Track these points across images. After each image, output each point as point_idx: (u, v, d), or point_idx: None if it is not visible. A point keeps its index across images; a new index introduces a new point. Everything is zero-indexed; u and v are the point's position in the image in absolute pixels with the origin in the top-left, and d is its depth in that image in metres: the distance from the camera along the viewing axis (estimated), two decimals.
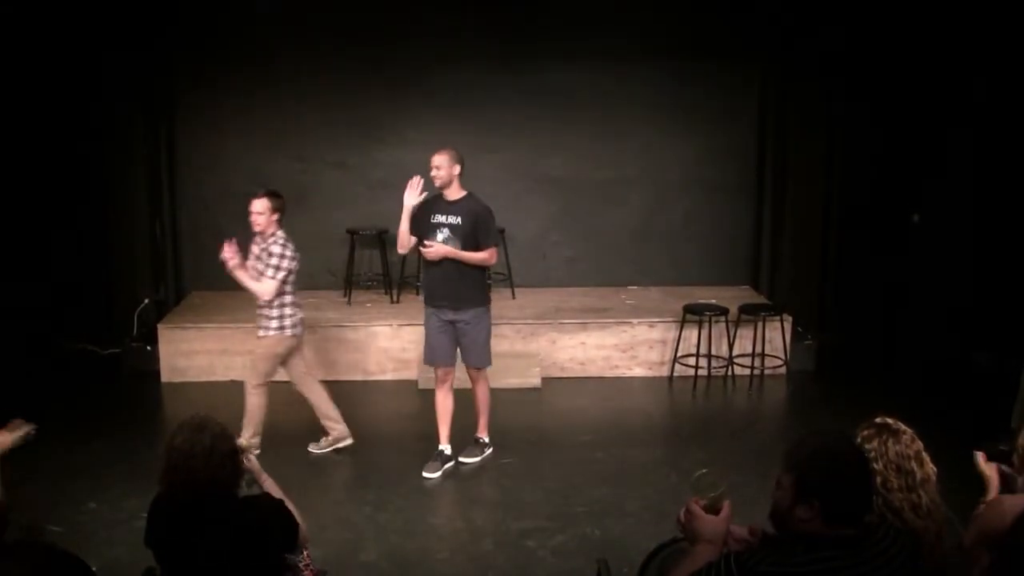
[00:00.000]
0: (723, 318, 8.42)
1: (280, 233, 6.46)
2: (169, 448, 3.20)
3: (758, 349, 8.49)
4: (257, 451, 6.59)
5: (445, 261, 6.28)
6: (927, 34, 8.36)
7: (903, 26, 8.52)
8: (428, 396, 8.10)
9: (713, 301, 8.69)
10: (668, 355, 8.59)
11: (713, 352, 8.45)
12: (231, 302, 9.10)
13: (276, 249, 6.40)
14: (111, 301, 9.20)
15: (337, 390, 8.25)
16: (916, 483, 3.18)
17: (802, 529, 2.70)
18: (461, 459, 6.71)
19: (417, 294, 9.34)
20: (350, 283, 9.33)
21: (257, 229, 6.46)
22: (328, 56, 9.19)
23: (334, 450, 6.92)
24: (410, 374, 8.42)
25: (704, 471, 3.08)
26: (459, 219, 6.27)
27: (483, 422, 6.81)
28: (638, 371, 8.68)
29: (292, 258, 6.44)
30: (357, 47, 9.19)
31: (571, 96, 9.44)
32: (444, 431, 6.67)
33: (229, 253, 6.42)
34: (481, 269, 6.44)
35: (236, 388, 8.26)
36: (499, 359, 8.37)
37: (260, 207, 6.39)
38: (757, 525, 3.34)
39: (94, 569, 3.06)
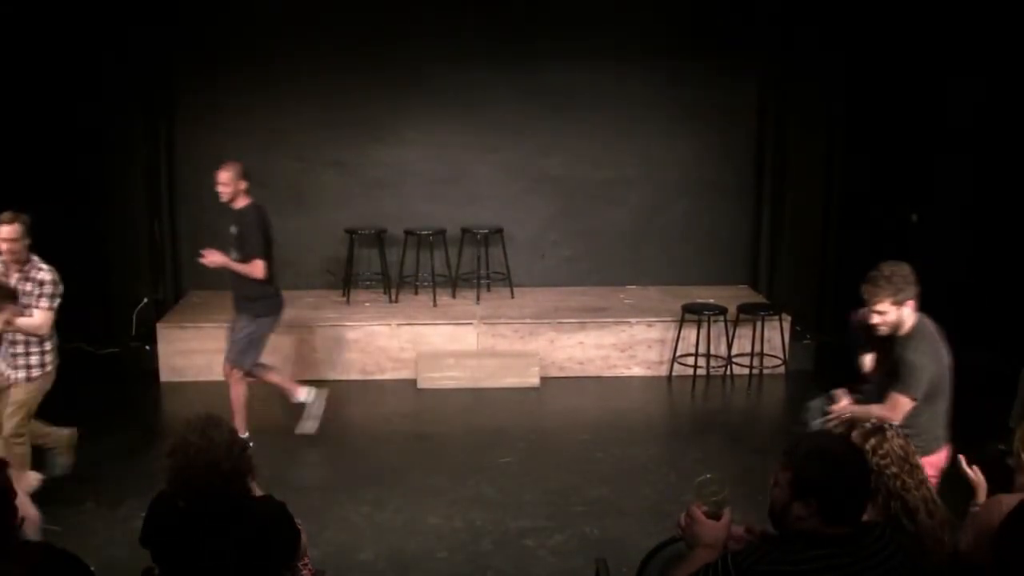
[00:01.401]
0: (722, 318, 8.43)
1: (36, 258, 5.68)
2: (182, 447, 3.14)
3: (757, 349, 8.49)
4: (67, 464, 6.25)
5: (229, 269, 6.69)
6: (927, 34, 8.37)
7: (903, 26, 8.52)
8: (427, 396, 8.14)
9: (712, 301, 8.70)
10: (667, 355, 8.60)
11: (712, 352, 8.46)
12: (230, 302, 9.10)
13: (45, 276, 5.62)
14: (110, 300, 9.19)
15: (336, 389, 8.27)
16: (925, 478, 3.21)
17: (799, 527, 2.72)
18: None
19: (416, 294, 9.37)
20: (349, 283, 9.33)
21: (12, 258, 5.59)
22: (328, 56, 9.18)
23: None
24: (409, 373, 8.42)
25: (708, 476, 3.10)
26: (236, 228, 6.67)
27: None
28: (637, 371, 8.68)
29: (60, 282, 5.69)
30: (357, 47, 9.19)
31: (571, 96, 9.44)
32: (238, 421, 6.72)
33: None
34: (256, 280, 6.64)
35: None
36: (498, 359, 8.43)
37: (13, 233, 5.53)
38: (753, 524, 3.35)
39: (92, 569, 3.05)
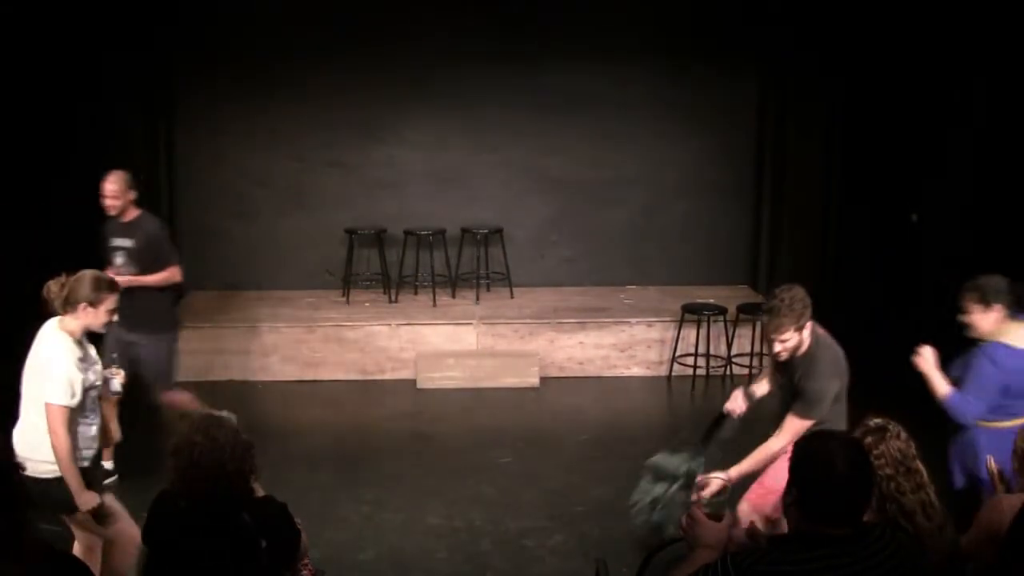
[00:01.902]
0: (721, 317, 8.43)
1: None
2: (187, 448, 3.11)
3: (756, 349, 8.48)
4: None
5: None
6: (927, 34, 8.36)
7: (903, 26, 8.52)
8: (426, 395, 8.14)
9: (711, 300, 8.70)
10: (666, 355, 8.60)
11: (712, 352, 8.45)
12: (229, 301, 9.13)
13: None
14: None
15: (336, 389, 8.29)
16: (925, 482, 3.20)
17: (790, 519, 2.74)
18: None
19: (416, 294, 9.37)
20: (348, 283, 9.34)
21: None
22: (328, 56, 9.18)
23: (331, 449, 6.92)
24: (408, 373, 8.42)
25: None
26: (133, 241, 6.21)
27: None
28: (636, 371, 8.68)
29: None
30: (357, 47, 9.19)
31: (571, 96, 9.44)
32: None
33: None
34: (163, 290, 6.27)
35: (234, 388, 8.30)
36: (498, 359, 8.43)
37: None
38: (756, 527, 3.36)
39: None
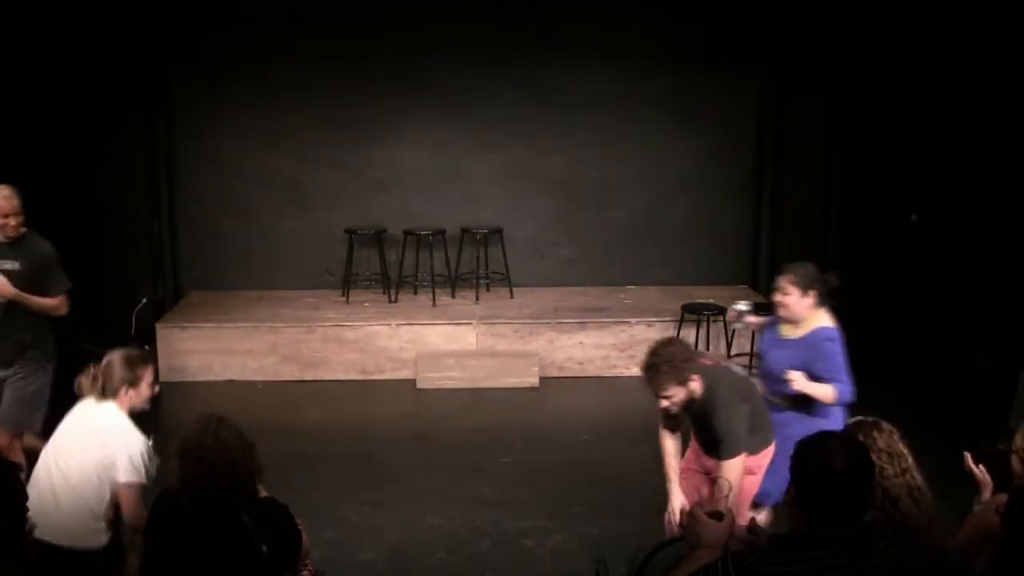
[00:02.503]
0: (721, 317, 8.42)
1: None
2: (196, 450, 3.10)
3: (756, 349, 8.47)
4: None
5: (10, 309, 5.42)
6: (927, 34, 8.37)
7: (903, 25, 8.52)
8: (426, 395, 8.14)
9: (711, 300, 8.69)
10: None
11: (711, 352, 8.45)
12: (229, 301, 9.13)
13: None
14: (109, 300, 9.17)
15: (335, 389, 8.28)
16: (910, 465, 3.24)
17: (790, 518, 2.74)
18: None
19: (415, 294, 9.36)
20: (348, 283, 9.33)
21: None
22: (328, 56, 9.19)
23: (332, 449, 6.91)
24: (408, 373, 8.42)
25: (712, 477, 3.11)
26: (18, 264, 5.46)
27: None
28: (636, 371, 8.57)
29: None
30: (357, 47, 9.20)
31: (571, 96, 9.44)
32: None
33: None
34: (45, 318, 5.57)
35: (234, 388, 8.31)
36: (497, 359, 8.43)
37: None
38: (756, 524, 3.35)
39: None
